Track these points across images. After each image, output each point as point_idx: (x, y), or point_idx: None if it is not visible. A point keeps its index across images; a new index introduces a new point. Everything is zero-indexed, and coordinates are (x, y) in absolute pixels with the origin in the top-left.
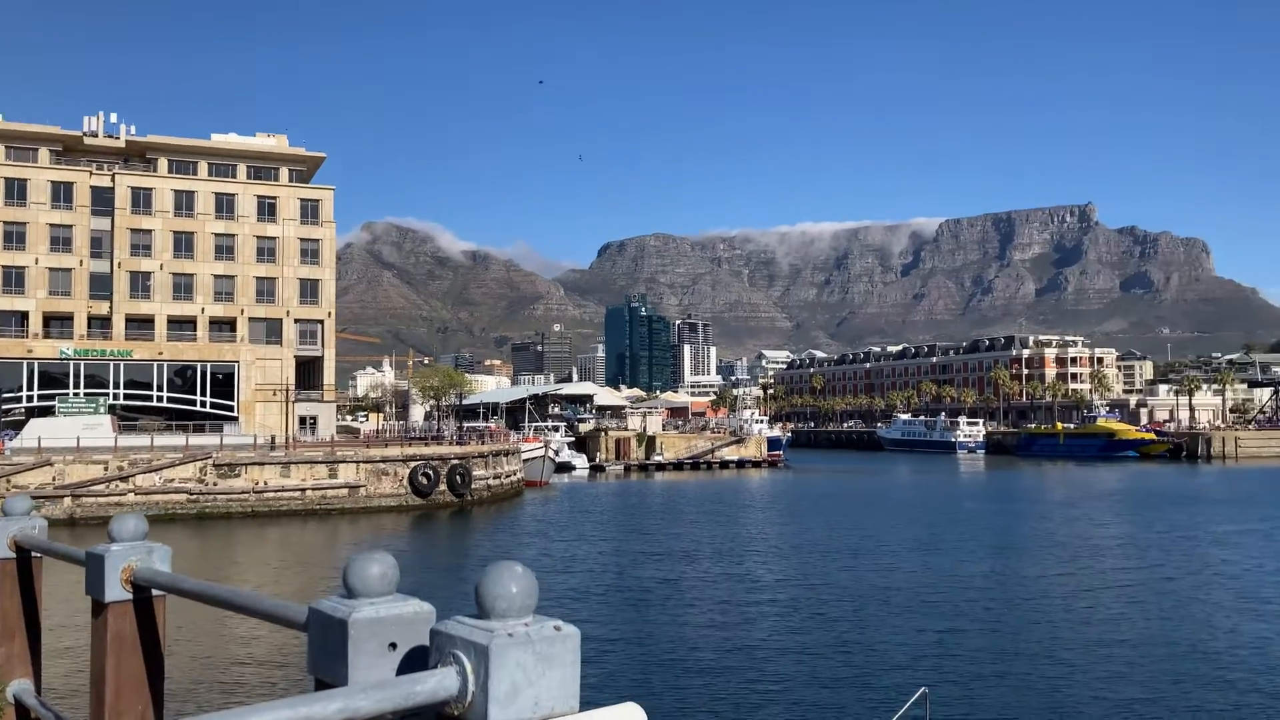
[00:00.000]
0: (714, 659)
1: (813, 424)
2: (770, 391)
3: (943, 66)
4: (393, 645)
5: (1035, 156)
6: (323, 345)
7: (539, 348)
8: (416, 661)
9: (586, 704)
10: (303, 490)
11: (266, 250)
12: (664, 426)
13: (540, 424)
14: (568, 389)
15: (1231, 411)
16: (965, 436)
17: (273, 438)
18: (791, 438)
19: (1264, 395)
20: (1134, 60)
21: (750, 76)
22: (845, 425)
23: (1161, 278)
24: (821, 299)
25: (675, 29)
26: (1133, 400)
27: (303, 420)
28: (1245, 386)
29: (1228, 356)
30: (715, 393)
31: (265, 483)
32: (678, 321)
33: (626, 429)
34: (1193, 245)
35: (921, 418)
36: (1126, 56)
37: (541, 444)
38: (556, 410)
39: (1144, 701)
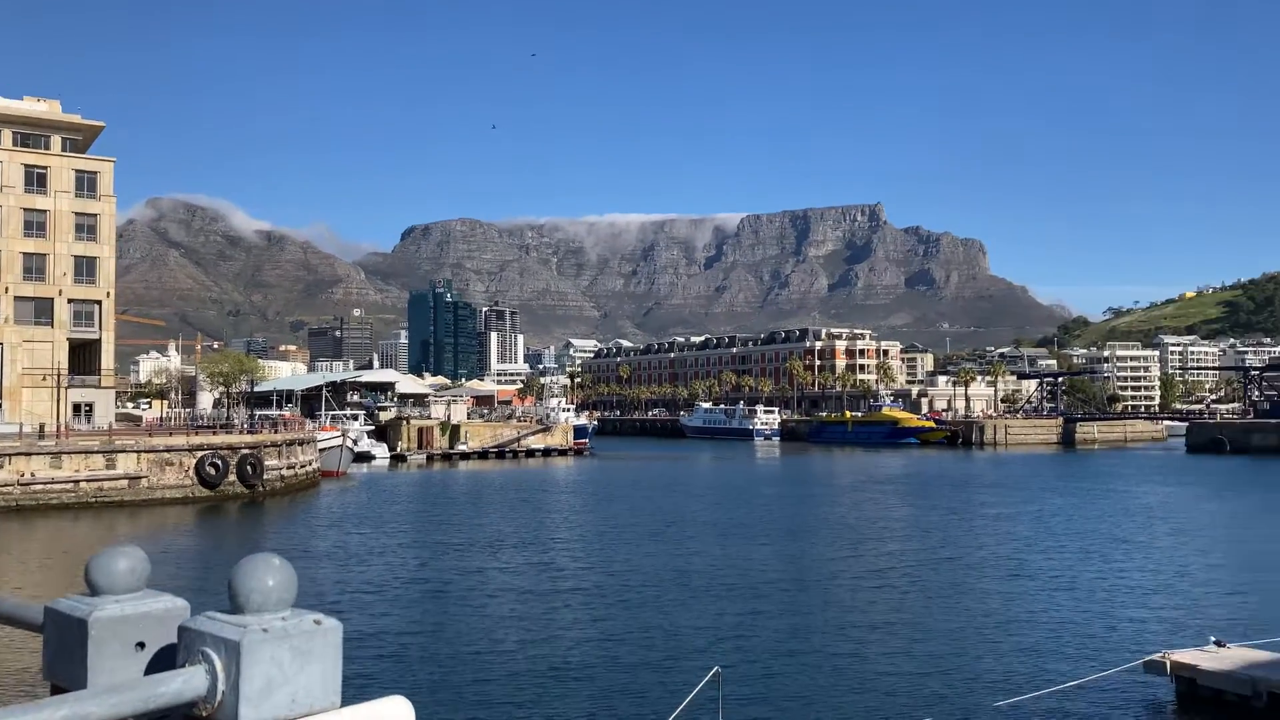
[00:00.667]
0: (515, 649)
1: (619, 412)
2: (578, 380)
3: (746, 65)
4: (140, 645)
5: (830, 157)
6: (100, 327)
7: (338, 333)
8: (166, 662)
9: (355, 698)
10: (76, 482)
11: (35, 224)
12: (469, 415)
13: (338, 412)
14: (368, 376)
15: (1002, 401)
16: (762, 424)
17: (41, 426)
18: (598, 426)
19: (1031, 386)
20: (924, 61)
21: (557, 65)
22: (650, 414)
23: (942, 276)
24: (628, 289)
25: (479, 9)
26: (915, 390)
27: (77, 408)
28: (1015, 378)
29: (1000, 350)
30: (522, 381)
31: (32, 474)
32: (485, 309)
33: (430, 417)
34: (971, 246)
35: (722, 406)
36: (921, 58)
37: (339, 433)
38: (356, 398)
39: (926, 675)
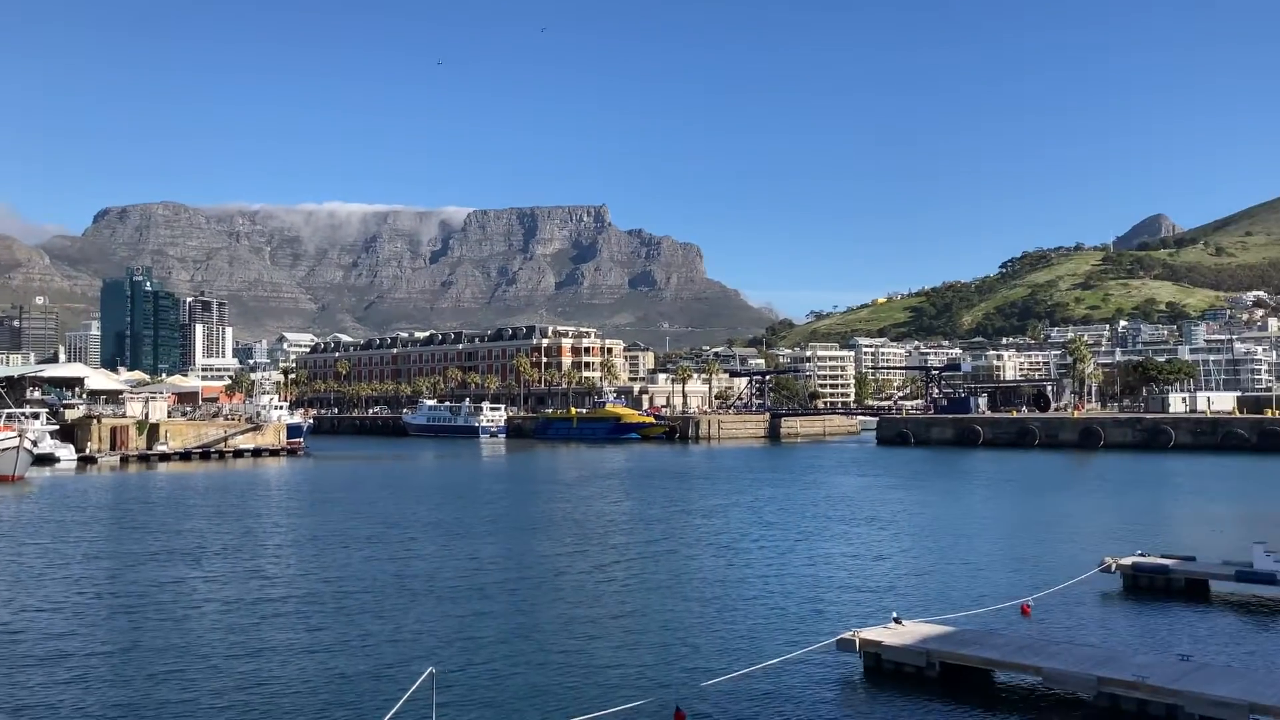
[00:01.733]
0: (221, 664)
1: (337, 410)
2: (292, 376)
3: (473, 59)
4: None
5: (557, 157)
6: None
7: (16, 323)
8: None
9: None
10: None
11: None
12: (170, 413)
13: (14, 410)
14: (52, 370)
15: (716, 398)
16: (488, 421)
17: None
18: (314, 424)
19: (742, 384)
20: (653, 72)
21: (270, 56)
22: (371, 411)
23: (663, 277)
24: (349, 281)
25: None
26: (637, 387)
27: None
28: (728, 376)
29: (714, 350)
30: (231, 377)
31: None
32: (189, 299)
33: (125, 416)
34: (690, 250)
35: (447, 404)
36: (651, 67)
37: (15, 433)
38: (37, 394)
39: (642, 663)
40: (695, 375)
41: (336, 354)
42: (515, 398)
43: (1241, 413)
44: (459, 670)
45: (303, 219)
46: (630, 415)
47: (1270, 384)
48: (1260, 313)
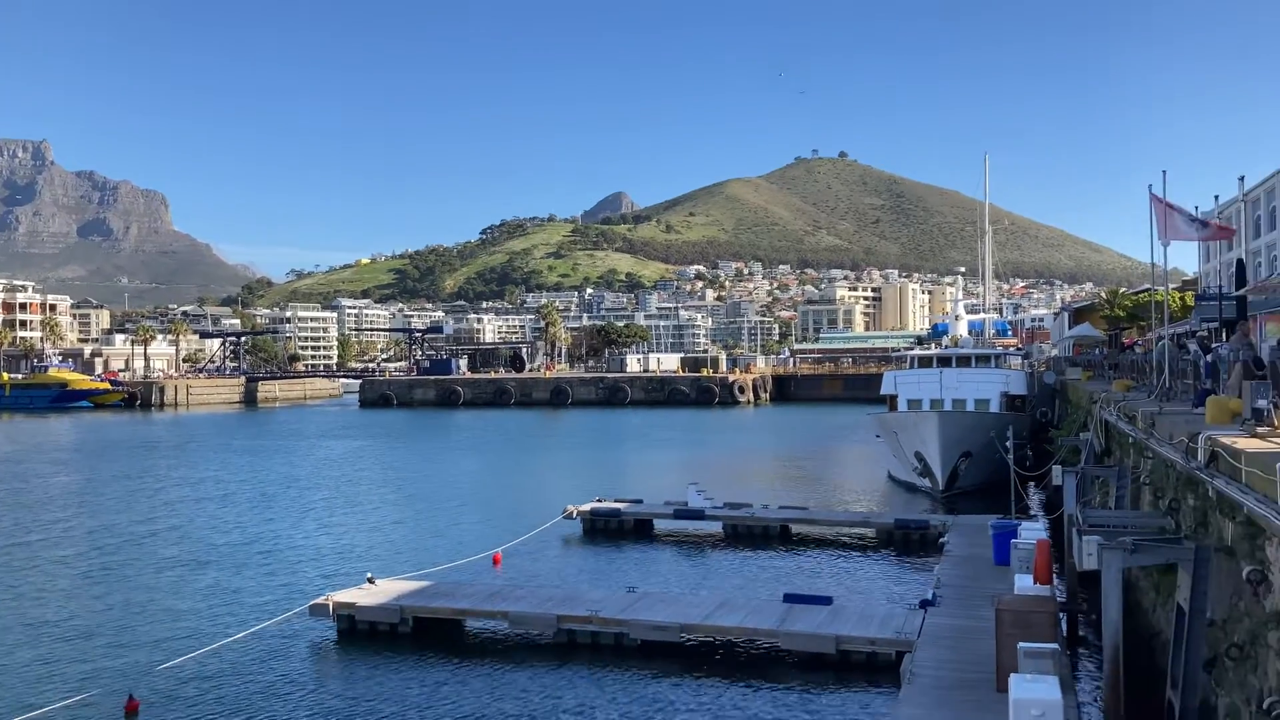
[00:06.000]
0: None
1: None
2: None
3: None
4: None
5: None
6: None
7: None
8: None
9: None
10: None
11: None
12: None
13: None
14: None
15: (185, 361)
16: None
17: None
18: None
19: (214, 345)
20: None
21: None
22: None
23: (121, 227)
24: None
25: None
26: (88, 349)
27: None
28: (198, 337)
29: (183, 308)
30: None
31: None
32: None
33: None
34: (153, 197)
35: None
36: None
37: None
38: None
39: (94, 653)
40: (160, 336)
41: None
42: None
43: (684, 372)
44: None
45: None
46: (80, 381)
47: (707, 347)
48: (700, 284)
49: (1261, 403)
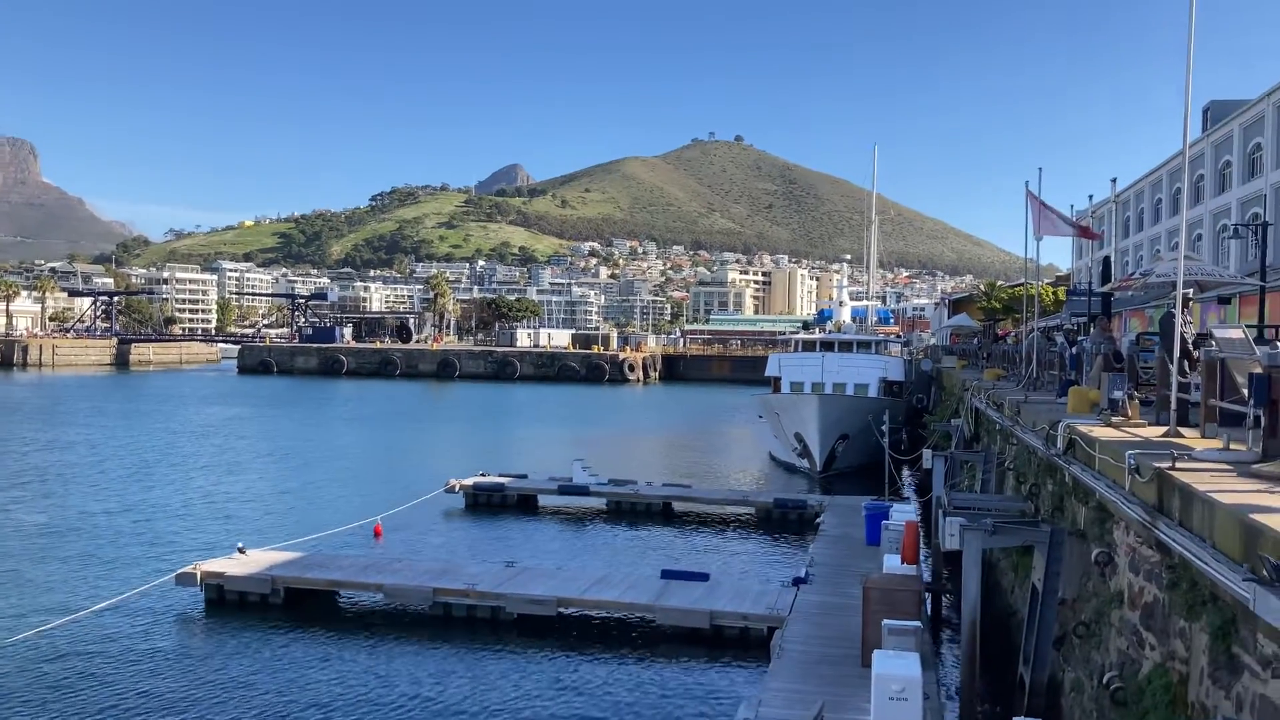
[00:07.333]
0: None
1: None
2: None
3: None
4: None
5: None
6: None
7: None
8: None
9: None
10: None
11: None
12: None
13: None
14: None
15: (52, 319)
16: None
17: None
18: None
19: (85, 305)
20: None
21: None
22: None
23: None
24: None
25: None
26: None
27: None
28: (67, 295)
29: (51, 264)
30: None
31: None
32: None
33: None
34: (20, 146)
35: None
36: None
37: None
38: None
39: None
40: (25, 293)
41: None
42: None
43: (575, 348)
44: None
45: None
46: None
47: (599, 324)
48: (594, 261)
49: (1117, 394)
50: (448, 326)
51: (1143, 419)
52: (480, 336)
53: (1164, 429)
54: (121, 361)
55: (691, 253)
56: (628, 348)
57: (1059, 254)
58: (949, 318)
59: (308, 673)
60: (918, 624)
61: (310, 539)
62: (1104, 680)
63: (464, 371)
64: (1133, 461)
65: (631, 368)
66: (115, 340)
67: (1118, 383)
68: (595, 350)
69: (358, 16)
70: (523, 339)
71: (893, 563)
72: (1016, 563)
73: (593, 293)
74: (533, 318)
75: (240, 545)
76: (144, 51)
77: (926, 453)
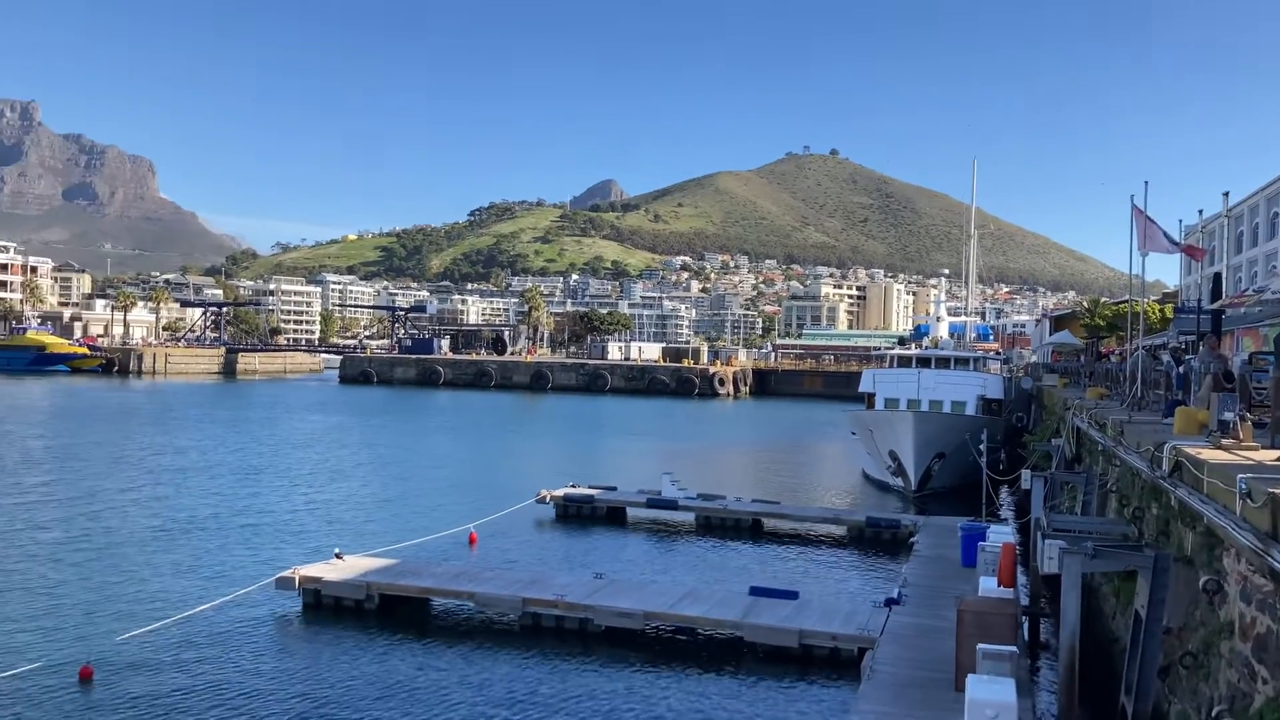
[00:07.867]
0: None
1: None
2: None
3: None
4: None
5: None
6: None
7: None
8: None
9: None
10: None
11: None
12: None
13: None
14: None
15: (165, 329)
16: None
17: None
18: None
19: (196, 315)
20: None
21: None
22: None
23: (107, 191)
24: None
25: None
26: (68, 314)
27: None
28: (179, 306)
29: (165, 276)
30: None
31: None
32: None
33: None
34: (140, 163)
35: None
36: None
37: None
38: None
39: (59, 624)
40: (141, 303)
41: None
42: None
43: (665, 362)
44: None
45: None
46: (59, 344)
47: (689, 338)
48: (685, 275)
49: (1228, 415)
50: (541, 339)
51: (1255, 442)
52: (572, 349)
53: (1278, 453)
54: (229, 370)
55: (784, 267)
56: (718, 361)
57: (1166, 270)
58: (1050, 335)
59: (401, 679)
60: (1013, 649)
61: (406, 545)
62: (1213, 714)
63: (556, 383)
64: (1244, 485)
65: (721, 382)
66: (223, 349)
67: (1229, 403)
68: (685, 364)
69: (462, 34)
70: (614, 352)
71: (989, 585)
72: (1118, 588)
73: (683, 307)
74: (624, 331)
75: (337, 551)
76: (255, 74)
77: (1025, 473)
